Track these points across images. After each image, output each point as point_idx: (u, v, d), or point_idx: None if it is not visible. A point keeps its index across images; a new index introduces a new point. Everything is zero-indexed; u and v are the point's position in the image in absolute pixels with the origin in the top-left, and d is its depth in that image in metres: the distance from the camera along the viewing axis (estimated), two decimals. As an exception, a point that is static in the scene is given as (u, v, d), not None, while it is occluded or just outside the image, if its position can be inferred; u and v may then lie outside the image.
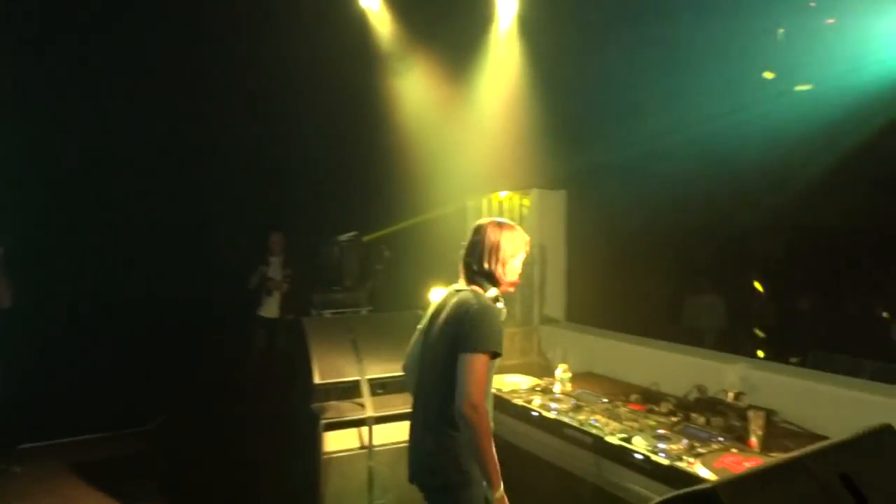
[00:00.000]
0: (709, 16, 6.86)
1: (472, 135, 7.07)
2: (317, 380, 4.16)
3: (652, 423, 3.38)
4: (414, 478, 2.68)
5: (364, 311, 5.71)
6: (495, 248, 2.64)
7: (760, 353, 7.78)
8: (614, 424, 3.35)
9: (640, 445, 3.02)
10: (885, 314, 7.86)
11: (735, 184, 7.94)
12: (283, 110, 7.36)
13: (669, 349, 4.59)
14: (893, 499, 1.69)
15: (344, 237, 5.90)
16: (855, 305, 8.26)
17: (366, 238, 6.18)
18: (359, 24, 7.35)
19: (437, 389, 2.56)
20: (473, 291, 2.61)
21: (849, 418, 3.25)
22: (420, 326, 2.90)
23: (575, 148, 6.63)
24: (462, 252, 2.76)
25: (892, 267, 8.31)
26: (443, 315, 2.65)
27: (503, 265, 2.65)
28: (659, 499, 1.61)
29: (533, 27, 6.93)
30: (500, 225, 2.70)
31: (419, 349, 2.83)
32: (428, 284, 5.95)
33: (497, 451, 2.44)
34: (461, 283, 2.74)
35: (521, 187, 6.12)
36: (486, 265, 2.63)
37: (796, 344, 7.41)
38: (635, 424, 3.36)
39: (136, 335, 7.16)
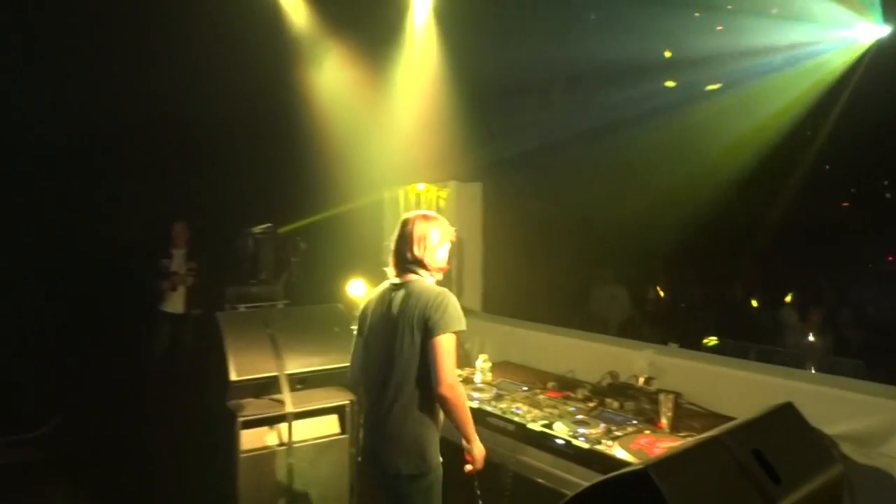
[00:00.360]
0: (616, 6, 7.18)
1: (390, 126, 7.04)
2: (233, 377, 4.01)
3: (570, 409, 3.52)
4: (376, 466, 2.80)
5: (281, 305, 5.56)
6: (423, 238, 2.85)
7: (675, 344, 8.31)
8: (535, 412, 3.46)
9: (561, 431, 3.14)
10: (754, 302, 8.55)
11: (636, 177, 8.39)
12: (190, 92, 6.97)
13: (583, 338, 4.78)
14: (797, 468, 1.87)
15: (259, 229, 5.71)
16: (737, 293, 8.94)
17: (281, 230, 6.01)
18: (272, 8, 7.10)
19: (408, 378, 2.70)
20: (419, 282, 2.81)
21: (745, 398, 3.54)
22: (359, 326, 3.02)
23: (490, 140, 6.76)
24: (392, 244, 2.94)
25: (768, 257, 9.09)
26: (396, 310, 2.78)
27: (431, 253, 2.86)
28: (594, 481, 1.70)
29: (449, 19, 6.97)
30: (426, 217, 2.94)
31: (368, 347, 2.93)
32: (346, 277, 5.90)
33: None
34: (394, 278, 2.91)
35: (439, 179, 6.16)
36: (416, 253, 2.83)
37: (691, 330, 7.95)
38: (555, 411, 3.48)
39: (24, 334, 6.60)
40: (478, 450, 2.79)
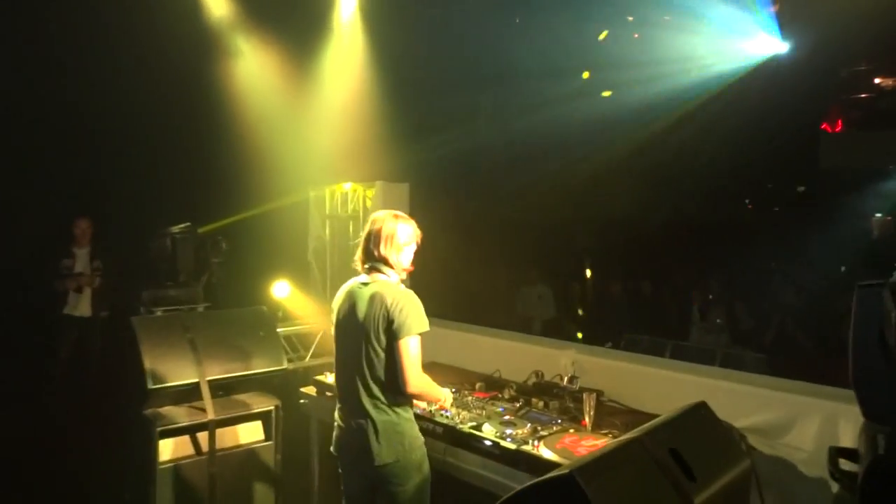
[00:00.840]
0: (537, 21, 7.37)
1: (316, 123, 6.91)
2: (150, 384, 3.84)
3: (498, 409, 3.58)
4: (355, 461, 2.94)
5: (201, 308, 5.36)
6: (391, 237, 2.93)
7: (579, 335, 8.63)
8: (464, 413, 3.49)
9: (489, 433, 3.19)
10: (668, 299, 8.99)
11: (556, 178, 8.62)
12: (97, 80, 6.56)
13: (509, 338, 4.87)
14: (710, 465, 1.99)
15: (177, 228, 5.47)
16: (653, 290, 9.36)
17: (202, 229, 5.78)
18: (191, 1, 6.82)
19: (374, 371, 2.84)
20: (385, 283, 2.91)
21: (662, 394, 3.71)
22: (335, 323, 3.10)
23: (418, 139, 6.76)
24: (360, 242, 3.02)
25: (682, 256, 9.56)
26: (362, 309, 2.88)
27: (398, 252, 2.95)
28: (524, 485, 1.74)
29: (376, 15, 6.92)
30: (395, 216, 3.01)
31: (339, 344, 3.06)
32: (270, 278, 5.76)
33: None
34: (361, 275, 3.00)
35: (365, 179, 6.12)
36: (383, 252, 2.91)
37: (611, 328, 8.26)
38: (483, 412, 3.53)
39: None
40: (444, 398, 3.14)
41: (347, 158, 6.55)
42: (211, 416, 3.89)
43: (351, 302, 2.95)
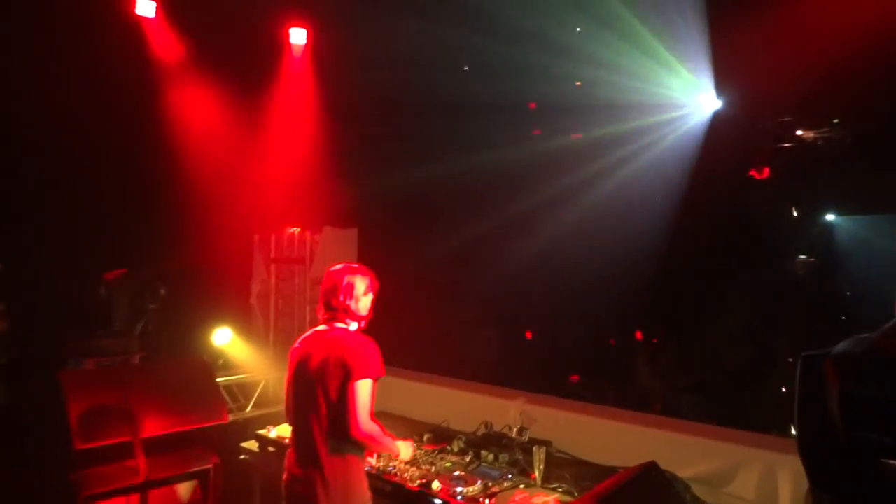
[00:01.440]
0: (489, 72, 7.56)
1: (261, 167, 6.80)
2: (78, 444, 3.61)
3: (447, 464, 3.52)
4: None
5: (136, 358, 5.10)
6: (349, 287, 3.01)
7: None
8: (413, 470, 3.42)
9: (439, 491, 3.13)
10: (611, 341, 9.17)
11: (501, 219, 8.75)
12: (32, 116, 6.26)
13: (457, 386, 4.84)
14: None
15: (112, 274, 5.22)
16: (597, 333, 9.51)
17: (138, 275, 5.54)
18: (132, 34, 6.66)
19: (328, 419, 2.82)
20: (342, 331, 2.97)
21: (610, 444, 3.76)
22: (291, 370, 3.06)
23: (366, 184, 6.75)
24: (319, 294, 3.08)
25: (625, 297, 9.77)
26: (318, 356, 2.88)
27: (356, 302, 3.02)
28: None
29: (324, 60, 6.94)
30: (352, 269, 3.10)
31: (295, 391, 3.01)
32: (211, 324, 5.56)
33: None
34: (321, 325, 3.04)
35: (312, 222, 6.05)
36: (342, 302, 2.99)
37: (561, 371, 8.33)
38: (433, 467, 3.47)
39: None
40: (403, 453, 3.15)
41: (294, 202, 6.46)
42: (144, 477, 3.67)
43: (308, 350, 2.97)
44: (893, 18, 6.75)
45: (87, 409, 3.77)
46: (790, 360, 8.71)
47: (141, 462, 3.72)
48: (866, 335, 1.62)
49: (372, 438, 2.83)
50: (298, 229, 5.98)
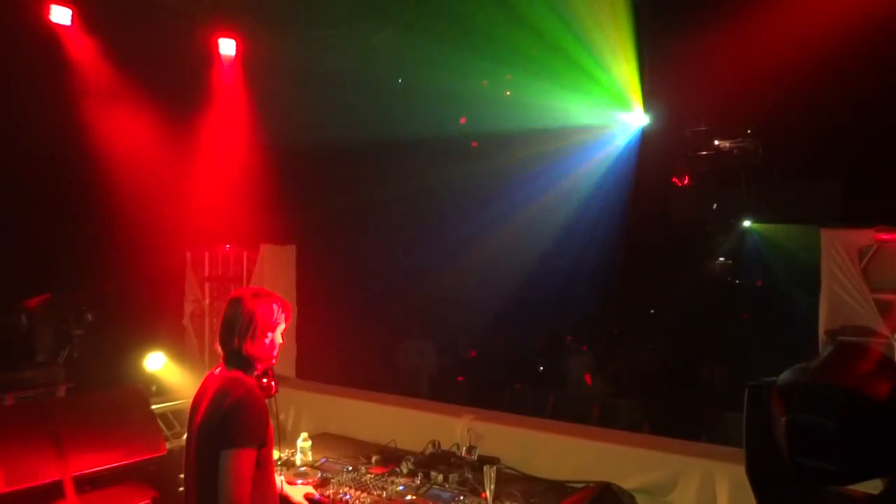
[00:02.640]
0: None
1: (194, 185, 6.57)
2: (1, 487, 3.37)
3: (398, 488, 3.50)
4: None
5: (63, 390, 4.81)
6: (251, 324, 2.51)
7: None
8: (364, 496, 3.39)
9: (392, 517, 3.11)
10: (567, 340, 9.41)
11: (435, 235, 8.85)
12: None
13: (403, 405, 4.82)
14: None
15: (33, 300, 4.90)
16: (538, 340, 9.74)
17: (63, 300, 5.23)
18: (47, 43, 6.29)
19: (206, 489, 2.35)
20: (233, 378, 2.48)
21: (557, 459, 3.84)
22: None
23: (305, 202, 6.64)
24: (220, 329, 2.60)
25: (561, 306, 10.06)
26: (203, 406, 2.47)
27: (261, 341, 2.53)
28: None
29: (258, 76, 6.79)
30: (255, 296, 2.58)
31: (185, 449, 2.60)
32: (142, 349, 5.31)
33: None
34: (219, 367, 2.61)
35: (248, 240, 5.90)
36: (242, 344, 2.50)
37: (496, 379, 8.46)
38: (384, 492, 3.44)
39: None
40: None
41: (228, 219, 6.28)
42: (76, 517, 3.48)
43: (200, 400, 2.54)
44: (803, 37, 7.27)
45: (9, 448, 3.53)
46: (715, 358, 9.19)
47: (72, 502, 3.51)
48: (806, 364, 1.73)
49: None
50: (231, 246, 5.80)
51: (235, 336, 2.51)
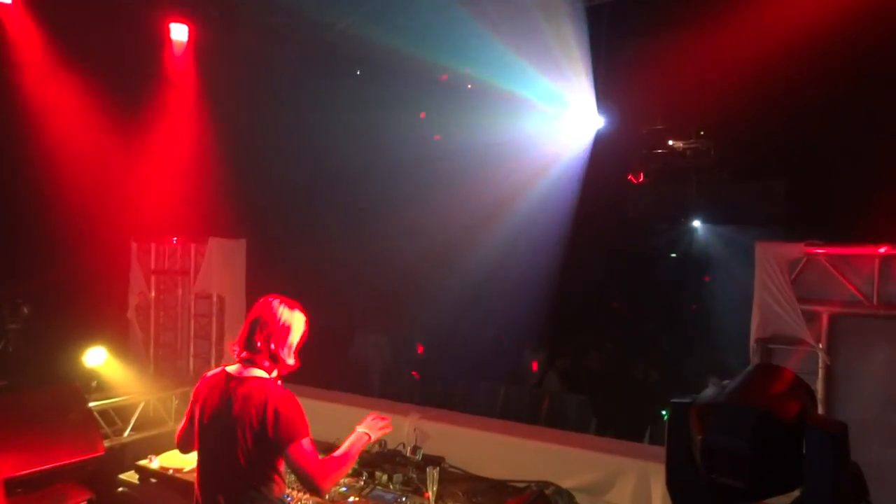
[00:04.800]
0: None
1: (139, 175, 6.37)
2: (-75, 492, 3.26)
3: (341, 489, 3.51)
4: None
5: (-6, 388, 4.65)
6: (286, 331, 2.64)
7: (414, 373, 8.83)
8: (306, 498, 3.38)
9: (333, 520, 3.11)
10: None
11: (397, 228, 8.83)
12: None
13: (351, 402, 4.81)
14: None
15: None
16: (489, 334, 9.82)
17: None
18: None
19: (239, 475, 2.53)
20: (261, 382, 2.59)
21: (500, 458, 3.90)
22: (191, 412, 2.74)
23: (256, 194, 6.52)
24: (243, 330, 2.68)
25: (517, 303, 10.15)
26: (234, 409, 2.54)
27: (290, 349, 2.67)
28: None
29: (208, 63, 6.62)
30: (287, 305, 2.70)
31: (203, 443, 2.68)
32: (83, 343, 5.15)
33: None
34: (235, 366, 2.66)
35: (197, 233, 5.78)
36: (274, 348, 2.62)
37: (448, 374, 8.51)
38: (326, 495, 3.44)
39: None
40: (373, 434, 2.96)
41: (176, 211, 6.12)
42: (6, 521, 3.38)
43: (222, 400, 2.59)
44: (757, 40, 7.46)
45: (-65, 450, 3.41)
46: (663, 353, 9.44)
47: (2, 505, 3.41)
48: (724, 383, 1.79)
49: (339, 474, 2.74)
50: (178, 239, 5.67)
51: (268, 338, 2.61)
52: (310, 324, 2.84)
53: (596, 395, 7.40)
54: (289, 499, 3.37)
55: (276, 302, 2.69)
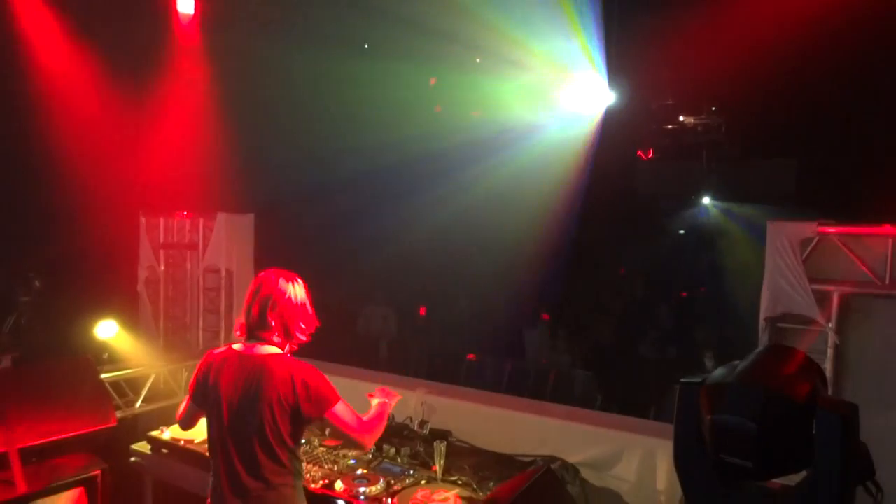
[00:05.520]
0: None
1: (148, 146, 6.36)
2: (-58, 461, 3.32)
3: (350, 462, 3.56)
4: None
5: (8, 360, 4.70)
6: (298, 308, 2.68)
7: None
8: (315, 469, 3.43)
9: (342, 492, 3.16)
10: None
11: (400, 205, 8.82)
12: None
13: (358, 377, 4.84)
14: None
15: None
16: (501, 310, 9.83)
17: (7, 265, 5.06)
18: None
19: (263, 451, 2.57)
20: (278, 357, 2.63)
21: (506, 433, 3.94)
22: (196, 391, 2.76)
23: (266, 169, 6.51)
24: (247, 305, 2.68)
25: (525, 277, 10.16)
26: (253, 385, 2.56)
27: (294, 319, 2.68)
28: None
29: (218, 37, 6.55)
30: (288, 279, 2.71)
31: (218, 419, 2.66)
32: (93, 316, 5.20)
33: None
34: (245, 344, 2.67)
35: (206, 207, 5.78)
36: (290, 326, 2.66)
37: (457, 348, 8.56)
38: (335, 467, 3.49)
39: None
40: (391, 402, 3.06)
41: (185, 185, 6.12)
42: (21, 489, 3.44)
43: (238, 377, 2.60)
44: (773, 17, 7.33)
45: (-49, 421, 3.46)
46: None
47: (17, 474, 3.47)
48: (735, 364, 1.79)
49: (378, 430, 2.81)
50: (188, 213, 5.67)
51: (274, 312, 2.62)
52: (318, 298, 2.86)
53: (601, 371, 7.44)
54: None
55: (282, 279, 2.68)
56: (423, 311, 9.23)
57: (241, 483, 2.59)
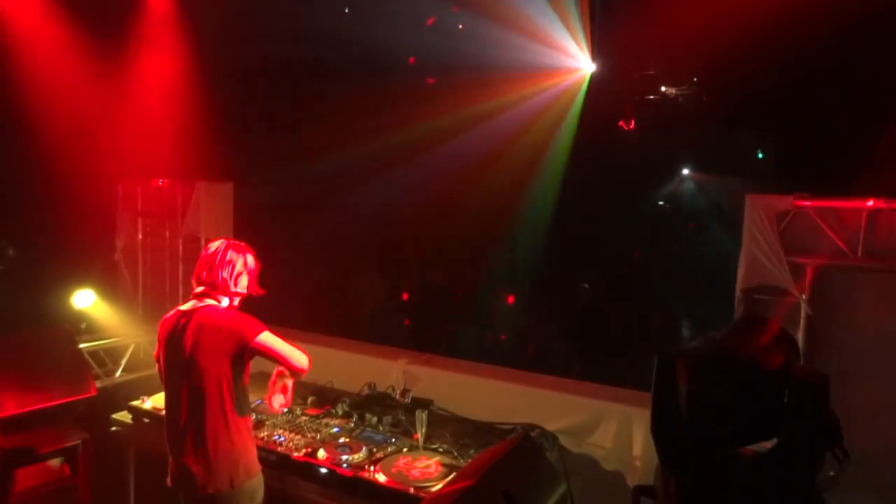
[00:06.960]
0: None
1: (125, 115, 6.20)
2: (-80, 430, 3.30)
3: (333, 430, 3.59)
4: (192, 489, 2.83)
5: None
6: (229, 264, 2.98)
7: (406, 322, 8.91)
8: (298, 438, 3.47)
9: (325, 459, 3.20)
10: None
11: (392, 173, 8.75)
12: None
13: (342, 347, 4.88)
14: (537, 499, 2.21)
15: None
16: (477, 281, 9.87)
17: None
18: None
19: (213, 404, 2.80)
20: (210, 307, 2.91)
21: (487, 401, 4.00)
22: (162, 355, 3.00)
23: (245, 137, 6.39)
24: (201, 266, 2.99)
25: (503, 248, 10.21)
26: (189, 337, 2.84)
27: (234, 279, 2.98)
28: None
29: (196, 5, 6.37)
30: (229, 245, 3.05)
31: (168, 376, 2.96)
32: (70, 285, 5.14)
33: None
34: (191, 302, 2.96)
35: (184, 175, 5.69)
36: (216, 276, 2.94)
37: (435, 318, 8.60)
38: (318, 435, 3.52)
39: None
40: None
41: (163, 152, 6.01)
42: (3, 459, 3.44)
43: (177, 332, 2.90)
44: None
45: (-73, 390, 3.43)
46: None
47: (-2, 443, 3.47)
48: (711, 335, 1.83)
49: (308, 364, 2.95)
50: (165, 181, 5.58)
51: (211, 272, 2.94)
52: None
53: (580, 341, 7.54)
54: (281, 439, 3.45)
55: (216, 244, 3.02)
56: (405, 295, 9.26)
57: (195, 436, 2.82)
